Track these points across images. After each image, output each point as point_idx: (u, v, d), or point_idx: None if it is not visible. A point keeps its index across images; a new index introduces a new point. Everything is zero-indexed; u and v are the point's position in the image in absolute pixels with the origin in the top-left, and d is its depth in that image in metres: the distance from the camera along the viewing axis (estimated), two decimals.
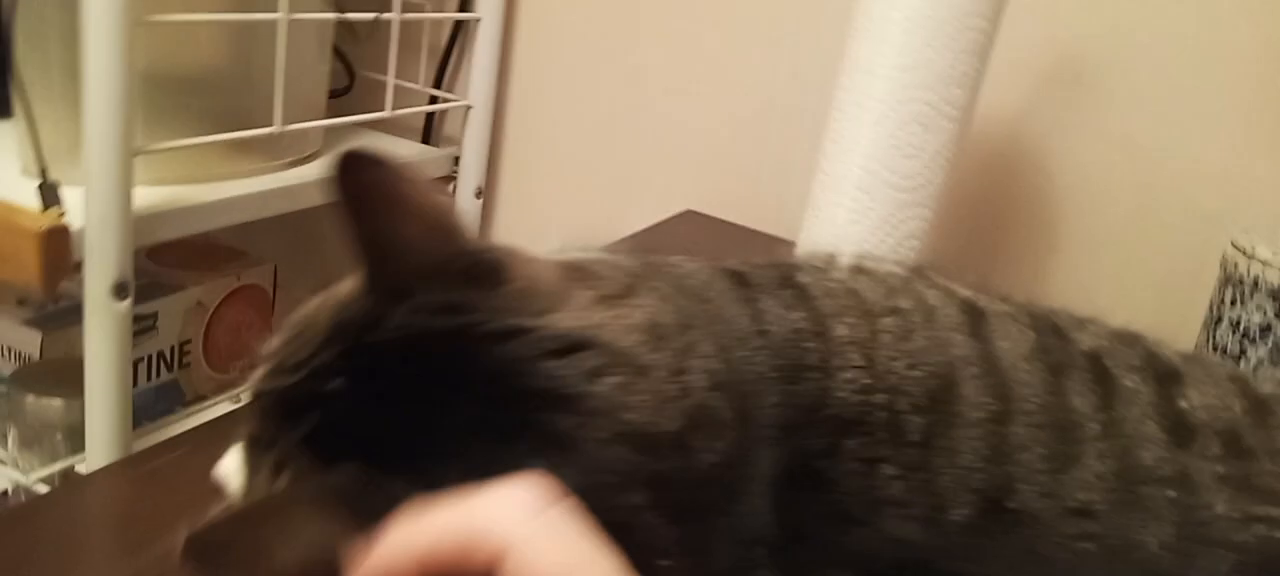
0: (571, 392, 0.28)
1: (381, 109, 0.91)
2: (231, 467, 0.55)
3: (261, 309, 1.05)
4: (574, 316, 0.30)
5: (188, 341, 0.96)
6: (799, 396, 0.32)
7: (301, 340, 0.31)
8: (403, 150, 0.98)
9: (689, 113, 0.97)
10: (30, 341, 0.84)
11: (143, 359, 0.91)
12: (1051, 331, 0.38)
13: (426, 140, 1.04)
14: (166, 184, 0.71)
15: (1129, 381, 0.36)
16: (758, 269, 0.38)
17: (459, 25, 0.99)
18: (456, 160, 1.01)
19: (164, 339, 0.93)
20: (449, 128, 1.05)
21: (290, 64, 0.75)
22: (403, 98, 0.98)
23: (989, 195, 0.88)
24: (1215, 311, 0.73)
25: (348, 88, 0.97)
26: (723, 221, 0.95)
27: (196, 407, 0.93)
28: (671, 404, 0.29)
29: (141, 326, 0.89)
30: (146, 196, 0.67)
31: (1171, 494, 0.33)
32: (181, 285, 0.93)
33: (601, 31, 0.99)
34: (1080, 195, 0.85)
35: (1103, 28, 0.81)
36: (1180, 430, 0.35)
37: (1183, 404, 0.36)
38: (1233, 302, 0.71)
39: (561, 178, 1.05)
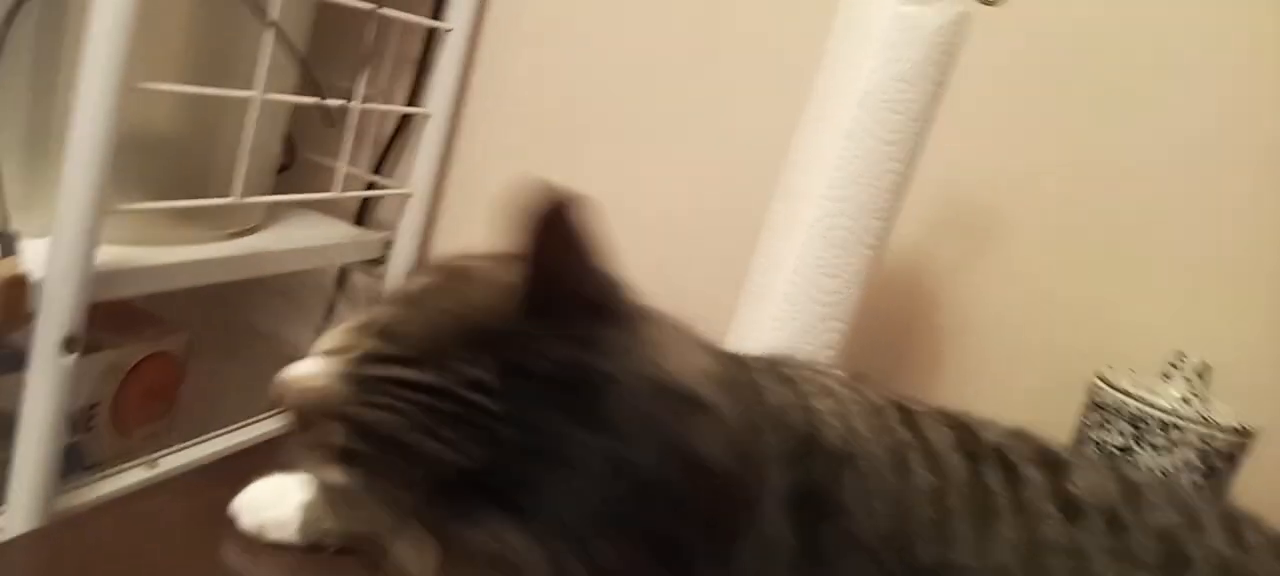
0: (675, 439, 0.34)
1: (319, 188, 0.95)
2: (249, 503, 0.57)
3: (172, 377, 1.04)
4: (683, 364, 0.36)
5: (96, 404, 0.95)
6: (795, 437, 0.38)
7: (430, 328, 0.35)
8: (337, 231, 1.01)
9: (622, 218, 1.03)
10: None
11: None
12: (963, 427, 0.46)
13: (360, 222, 1.07)
14: (114, 244, 0.73)
15: (1027, 470, 0.43)
16: (750, 357, 0.44)
17: (404, 116, 1.04)
18: (388, 244, 1.04)
19: (73, 400, 0.91)
20: (382, 212, 1.08)
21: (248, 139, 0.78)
22: (332, 175, 1.01)
23: (886, 314, 0.97)
24: (1082, 433, 0.82)
25: (288, 165, 0.99)
26: None
27: (98, 474, 0.91)
28: (730, 440, 0.35)
29: None
30: (99, 255, 0.69)
31: (1069, 562, 0.40)
32: (98, 346, 0.92)
33: (542, 134, 1.05)
34: (965, 323, 0.95)
35: (995, 182, 0.92)
36: (1071, 509, 0.42)
37: (1072, 487, 0.43)
38: (1098, 425, 0.81)
39: None
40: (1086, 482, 0.44)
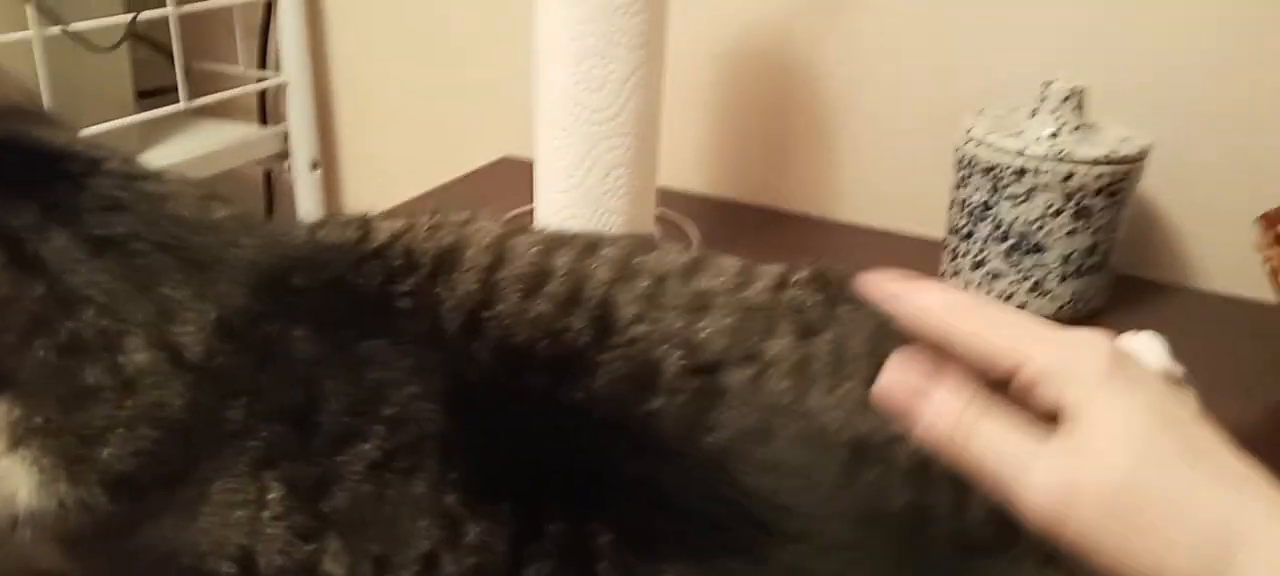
0: None
1: (210, 95, 0.96)
2: None
3: None
4: None
5: None
6: None
7: None
8: (233, 134, 1.02)
9: (499, 61, 0.99)
10: None
11: None
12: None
13: (263, 121, 1.08)
14: None
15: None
16: None
17: (270, 4, 1.02)
18: (287, 137, 1.04)
19: None
20: (283, 106, 1.08)
21: (67, 77, 0.80)
22: (230, 81, 1.02)
23: (767, 104, 0.89)
24: (951, 194, 0.74)
25: (171, 86, 0.99)
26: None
27: None
28: None
29: None
30: None
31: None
32: None
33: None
34: (847, 96, 0.85)
35: None
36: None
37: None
38: (961, 184, 0.72)
39: (395, 140, 1.08)
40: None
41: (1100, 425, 0.32)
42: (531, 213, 0.73)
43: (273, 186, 1.13)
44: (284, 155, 1.05)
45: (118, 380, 0.36)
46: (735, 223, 0.88)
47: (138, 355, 0.37)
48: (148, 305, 0.37)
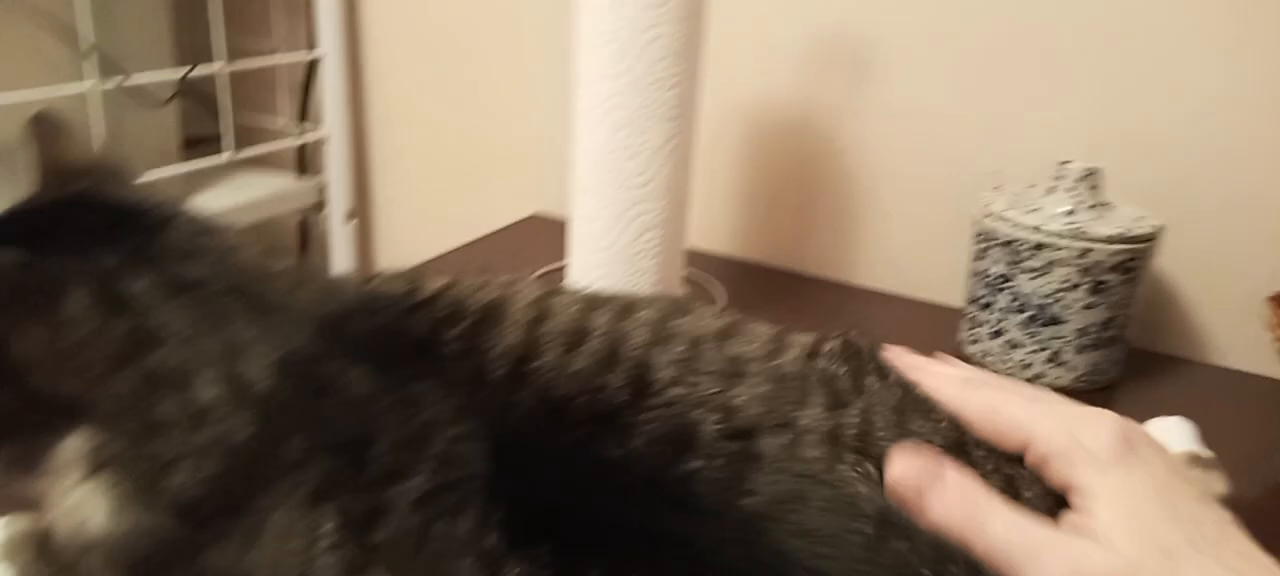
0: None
1: (257, 148, 1.00)
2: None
3: None
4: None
5: None
6: None
7: None
8: (272, 184, 1.05)
9: (531, 123, 1.02)
10: None
11: None
12: None
13: (302, 172, 1.11)
14: None
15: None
16: None
17: (313, 63, 1.06)
18: (323, 189, 1.08)
19: None
20: (322, 159, 1.12)
21: (118, 127, 0.83)
22: (272, 133, 1.06)
23: (793, 173, 0.92)
24: (971, 265, 0.76)
25: (214, 136, 1.03)
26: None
27: None
28: None
29: None
30: None
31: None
32: None
33: (442, 57, 1.05)
34: (870, 168, 0.88)
35: (876, 11, 0.85)
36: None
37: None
38: (980, 256, 0.74)
39: (428, 194, 1.12)
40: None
41: (1107, 512, 0.34)
42: (563, 269, 0.76)
43: (307, 235, 1.16)
44: (320, 205, 1.09)
45: (190, 411, 0.39)
46: (760, 284, 0.90)
47: (209, 389, 0.39)
48: (219, 343, 0.40)
